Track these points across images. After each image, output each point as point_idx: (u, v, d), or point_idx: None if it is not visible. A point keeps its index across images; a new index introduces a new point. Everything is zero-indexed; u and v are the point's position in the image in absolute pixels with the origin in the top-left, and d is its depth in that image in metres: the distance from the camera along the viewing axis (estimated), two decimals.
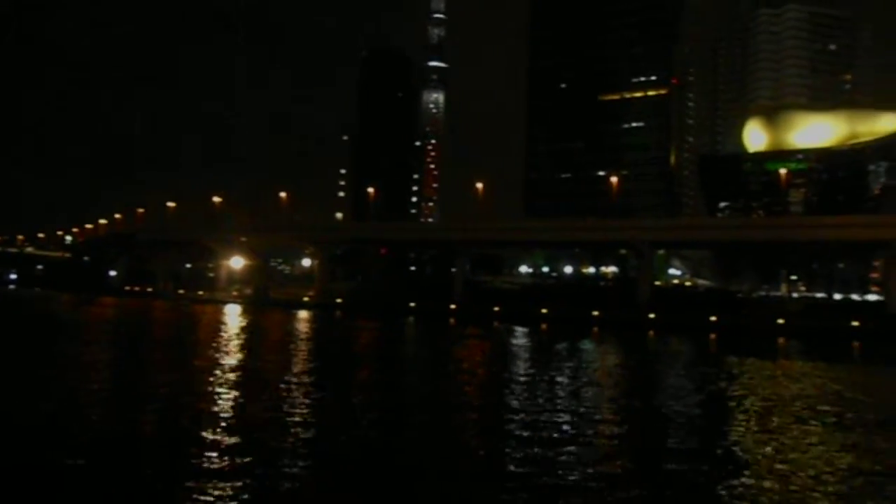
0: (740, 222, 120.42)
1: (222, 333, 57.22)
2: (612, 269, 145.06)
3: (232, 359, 40.95)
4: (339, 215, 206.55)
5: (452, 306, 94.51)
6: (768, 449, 21.24)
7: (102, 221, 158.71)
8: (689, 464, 19.25)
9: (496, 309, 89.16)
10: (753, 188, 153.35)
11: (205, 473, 16.75)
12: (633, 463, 19.50)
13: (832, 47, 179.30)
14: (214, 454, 18.43)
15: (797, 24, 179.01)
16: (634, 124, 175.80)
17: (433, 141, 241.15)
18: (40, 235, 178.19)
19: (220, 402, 26.63)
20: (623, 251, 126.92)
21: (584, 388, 33.74)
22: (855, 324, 75.40)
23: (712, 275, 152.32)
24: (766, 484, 17.14)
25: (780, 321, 77.80)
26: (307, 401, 28.04)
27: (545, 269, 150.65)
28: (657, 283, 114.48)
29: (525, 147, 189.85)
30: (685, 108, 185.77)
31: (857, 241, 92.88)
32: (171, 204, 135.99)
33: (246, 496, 15.38)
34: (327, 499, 15.86)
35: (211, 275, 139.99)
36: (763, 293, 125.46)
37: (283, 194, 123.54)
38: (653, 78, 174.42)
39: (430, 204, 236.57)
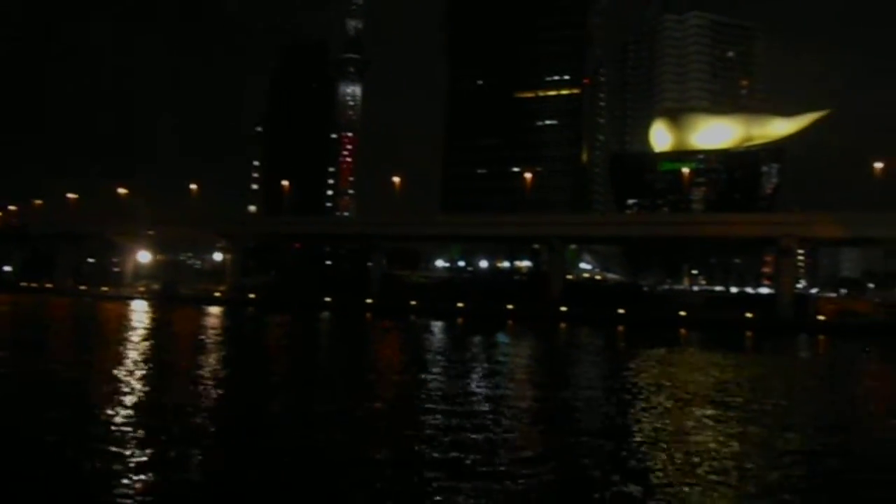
0: (647, 219, 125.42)
1: (124, 332, 54.93)
2: (526, 263, 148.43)
3: (131, 358, 39.49)
4: (252, 208, 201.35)
5: (369, 301, 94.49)
6: (658, 425, 23.67)
7: None
8: (598, 441, 21.06)
9: (413, 303, 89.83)
10: (659, 186, 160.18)
11: (110, 472, 16.27)
12: (545, 445, 20.64)
13: (730, 54, 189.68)
14: (116, 448, 17.89)
15: (699, 30, 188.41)
16: (548, 122, 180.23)
17: (349, 134, 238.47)
18: None
19: (118, 402, 25.75)
20: (536, 246, 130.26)
21: (499, 378, 34.64)
22: (749, 315, 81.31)
23: (621, 269, 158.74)
24: (661, 455, 19.37)
25: (683, 313, 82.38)
26: (214, 395, 27.61)
27: (461, 264, 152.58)
28: (569, 277, 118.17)
29: (443, 142, 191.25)
30: (597, 108, 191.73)
31: (752, 237, 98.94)
32: (71, 196, 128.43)
33: (150, 498, 15.05)
34: (242, 492, 15.70)
35: (116, 269, 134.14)
36: (667, 287, 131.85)
37: (193, 186, 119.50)
38: (566, 77, 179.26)
39: (347, 198, 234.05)
